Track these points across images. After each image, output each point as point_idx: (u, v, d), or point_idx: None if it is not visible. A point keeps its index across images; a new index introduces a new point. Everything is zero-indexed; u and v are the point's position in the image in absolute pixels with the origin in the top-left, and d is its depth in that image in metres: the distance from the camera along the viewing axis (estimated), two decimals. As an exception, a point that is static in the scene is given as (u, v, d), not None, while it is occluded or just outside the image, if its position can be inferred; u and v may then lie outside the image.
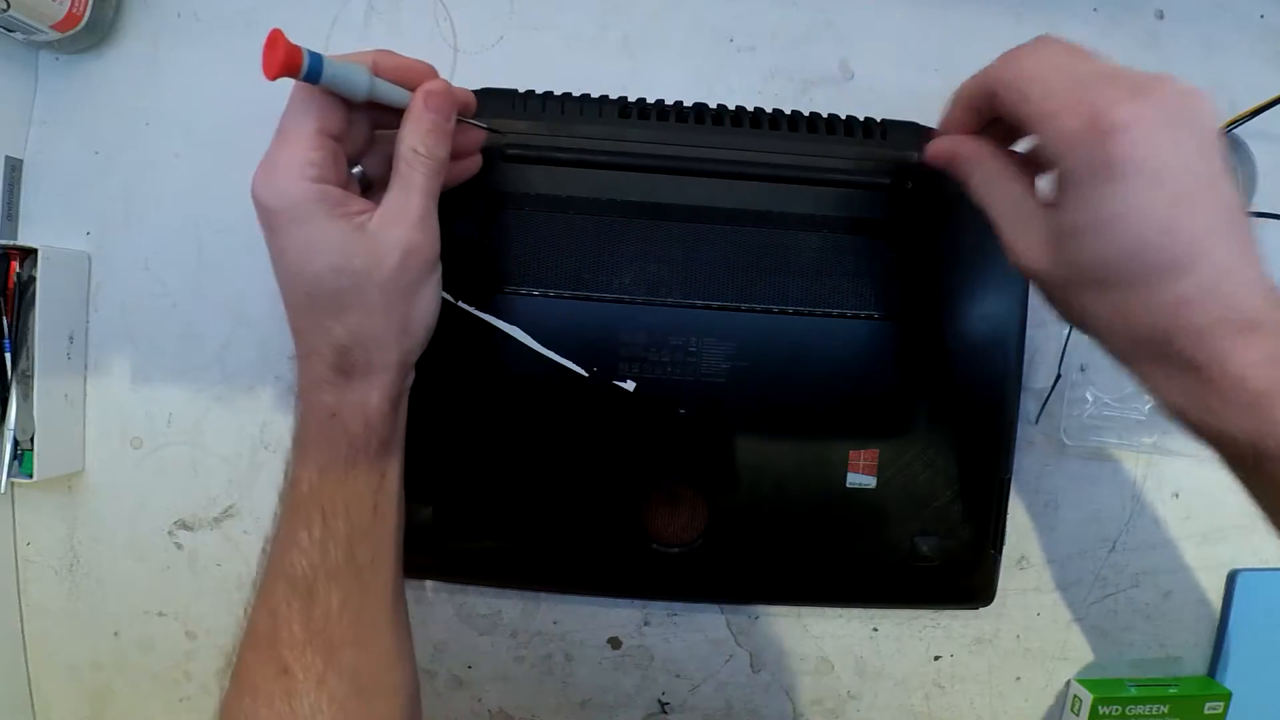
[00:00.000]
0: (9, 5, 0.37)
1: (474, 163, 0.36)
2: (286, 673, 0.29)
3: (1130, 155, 0.25)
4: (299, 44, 0.27)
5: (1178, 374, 0.25)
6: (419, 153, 0.30)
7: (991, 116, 0.31)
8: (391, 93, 0.30)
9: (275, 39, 0.26)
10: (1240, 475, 0.26)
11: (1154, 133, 0.25)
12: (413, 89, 0.30)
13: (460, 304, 0.40)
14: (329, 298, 0.29)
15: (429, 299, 0.32)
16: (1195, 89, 0.25)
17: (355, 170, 0.33)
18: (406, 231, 0.29)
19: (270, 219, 0.29)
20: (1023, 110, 0.28)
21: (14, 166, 0.44)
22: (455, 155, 0.33)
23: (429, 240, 0.30)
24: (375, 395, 0.30)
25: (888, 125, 0.42)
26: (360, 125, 0.31)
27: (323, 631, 0.29)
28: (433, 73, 0.31)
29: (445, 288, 0.40)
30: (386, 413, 0.31)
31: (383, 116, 0.32)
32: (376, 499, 0.31)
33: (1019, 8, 0.47)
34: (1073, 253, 0.27)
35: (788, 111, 0.42)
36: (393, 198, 0.30)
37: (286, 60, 0.26)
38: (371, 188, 0.34)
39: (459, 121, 0.32)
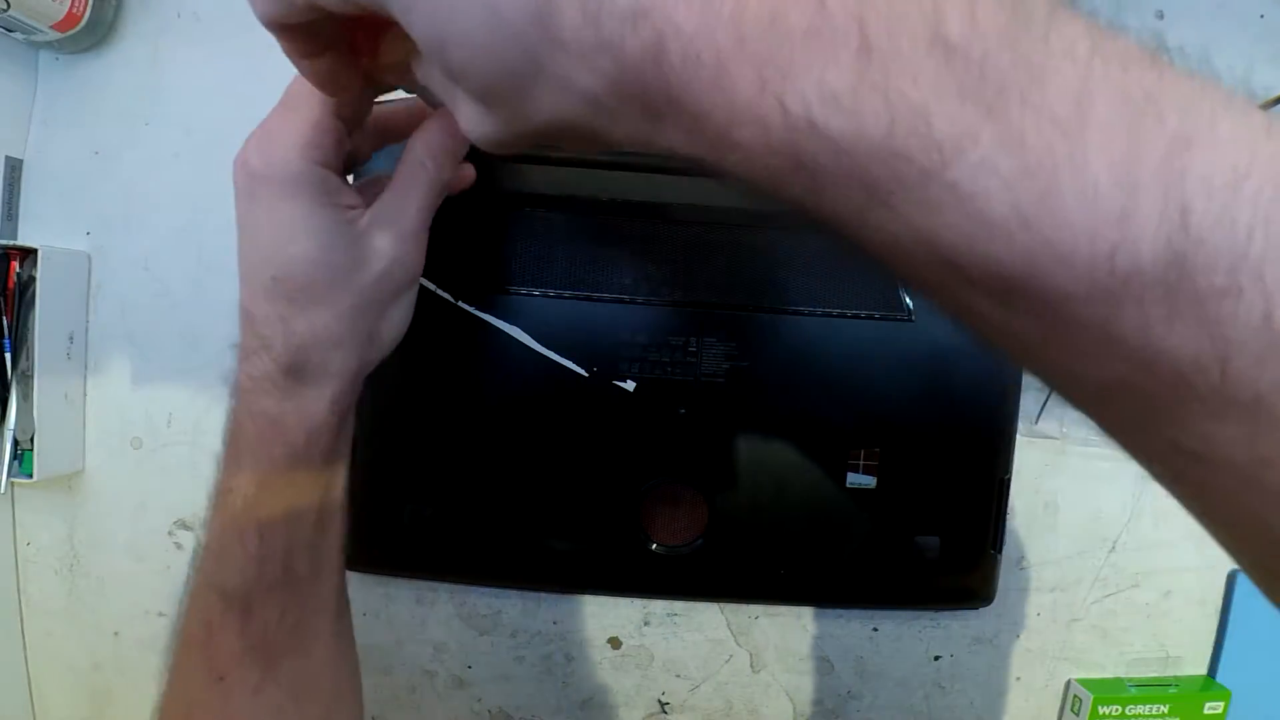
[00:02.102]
0: (9, 5, 0.37)
1: (468, 177, 0.34)
2: (222, 681, 0.28)
3: None
4: None
5: (672, 115, 0.17)
6: (426, 166, 0.28)
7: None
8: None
9: None
10: (817, 211, 0.16)
11: None
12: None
13: (460, 304, 0.40)
14: (298, 288, 0.26)
15: (402, 313, 0.30)
16: None
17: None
18: (397, 240, 0.28)
19: (255, 185, 0.26)
20: None
21: (14, 166, 0.44)
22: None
23: (416, 255, 0.29)
24: (323, 405, 0.28)
25: (888, 125, 0.42)
26: (367, 132, 0.30)
27: (260, 644, 0.28)
28: None
29: (445, 288, 0.40)
30: (333, 425, 0.28)
31: (393, 120, 0.30)
32: (319, 513, 0.29)
33: (1019, 8, 0.47)
34: (472, 83, 0.19)
35: (788, 111, 0.42)
36: (389, 202, 0.28)
37: None
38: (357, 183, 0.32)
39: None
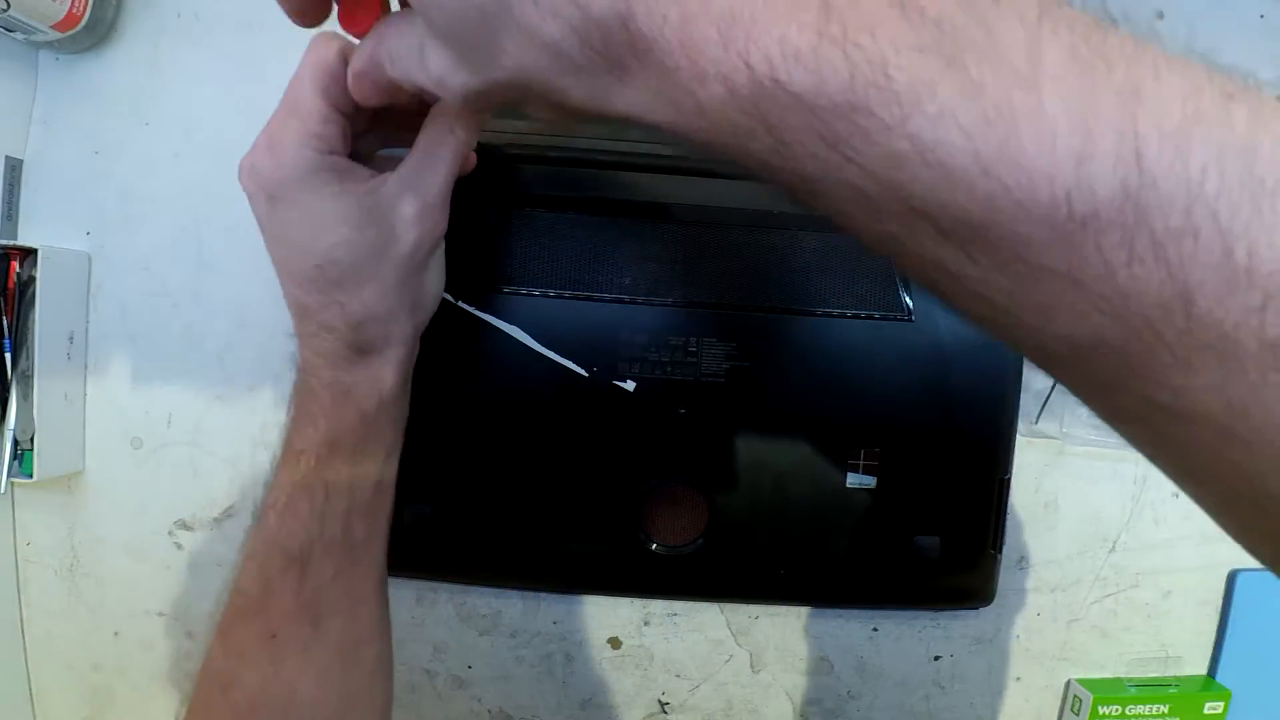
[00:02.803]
0: (9, 5, 0.37)
1: (471, 160, 0.35)
2: (275, 639, 0.29)
3: None
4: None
5: (640, 73, 0.17)
6: (455, 133, 0.28)
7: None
8: None
9: None
10: (780, 168, 0.17)
11: None
12: None
13: (460, 304, 0.40)
14: (343, 271, 0.28)
15: (438, 272, 0.32)
16: None
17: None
18: (424, 206, 0.28)
19: (273, 189, 0.27)
20: None
21: (14, 166, 0.44)
22: None
23: (442, 219, 0.30)
24: (390, 371, 0.30)
25: (888, 125, 0.42)
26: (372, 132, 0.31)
27: (313, 602, 0.30)
28: None
29: (445, 288, 0.40)
30: (399, 389, 0.31)
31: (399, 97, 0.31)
32: (379, 477, 0.31)
33: (1019, 8, 0.47)
34: (445, 30, 0.20)
35: (788, 111, 0.42)
36: (412, 169, 0.28)
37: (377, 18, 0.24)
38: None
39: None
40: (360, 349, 0.29)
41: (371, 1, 0.24)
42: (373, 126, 0.31)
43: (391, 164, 0.29)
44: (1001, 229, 0.14)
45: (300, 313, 0.29)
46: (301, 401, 0.30)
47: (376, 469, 0.31)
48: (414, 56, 0.22)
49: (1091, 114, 0.13)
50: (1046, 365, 0.17)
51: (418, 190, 0.28)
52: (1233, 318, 0.13)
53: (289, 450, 0.30)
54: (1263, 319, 0.13)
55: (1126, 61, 0.14)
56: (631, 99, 0.18)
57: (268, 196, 0.27)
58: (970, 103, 0.14)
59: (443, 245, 0.32)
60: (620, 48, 0.17)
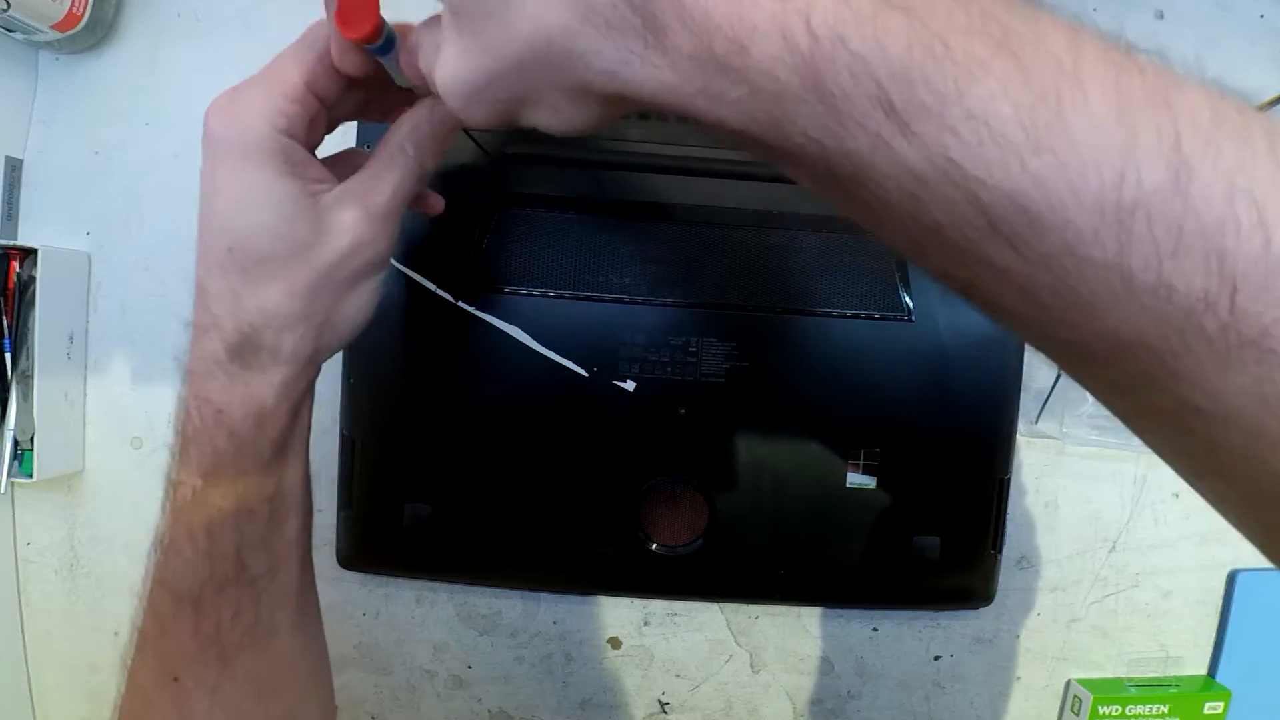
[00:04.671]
0: (9, 5, 0.37)
1: (436, 205, 0.33)
2: (176, 681, 0.27)
3: None
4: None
5: (673, 35, 0.16)
6: (408, 152, 0.27)
7: None
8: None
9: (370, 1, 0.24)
10: (817, 150, 0.16)
11: None
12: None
13: (460, 304, 0.40)
14: (254, 260, 0.25)
15: (363, 300, 0.28)
16: None
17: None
18: (363, 219, 0.26)
19: (218, 148, 0.25)
20: None
21: (14, 166, 0.44)
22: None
23: (383, 239, 0.27)
24: (270, 393, 0.26)
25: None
26: (351, 99, 0.28)
27: (214, 642, 0.27)
28: None
29: (445, 288, 0.40)
30: (284, 415, 0.27)
31: (376, 97, 0.29)
32: (272, 508, 0.27)
33: (1019, 8, 0.47)
34: (456, 7, 0.20)
35: (788, 111, 0.42)
36: (361, 181, 0.26)
37: (374, 30, 0.24)
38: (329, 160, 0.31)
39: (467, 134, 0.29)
40: (242, 359, 0.26)
41: (368, 6, 0.24)
42: (363, 107, 0.29)
43: (348, 172, 0.27)
44: (1053, 215, 0.14)
45: (199, 295, 0.26)
46: (180, 426, 0.27)
47: (265, 501, 0.27)
48: (431, 47, 0.22)
49: (1132, 108, 0.14)
50: (1082, 366, 0.17)
51: (359, 199, 0.26)
52: (1272, 311, 0.13)
53: (169, 480, 0.27)
54: None
55: (1154, 71, 0.15)
56: (663, 68, 0.17)
57: (211, 154, 0.25)
58: (1021, 83, 0.14)
59: (379, 278, 0.28)
60: (660, 2, 0.16)
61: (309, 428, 0.29)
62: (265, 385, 0.26)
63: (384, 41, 0.25)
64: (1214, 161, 0.13)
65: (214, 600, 0.27)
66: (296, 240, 0.25)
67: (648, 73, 0.17)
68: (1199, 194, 0.13)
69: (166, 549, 0.27)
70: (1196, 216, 0.13)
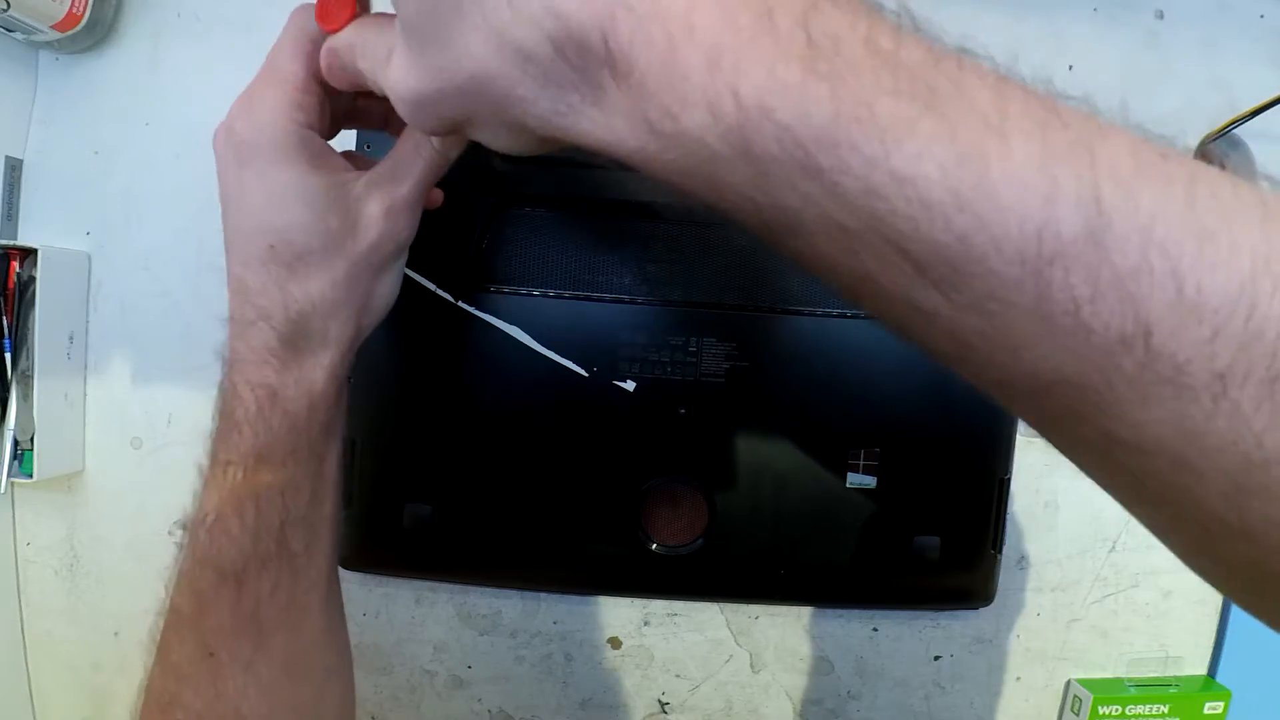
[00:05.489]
0: (9, 5, 0.37)
1: (436, 199, 0.34)
2: (212, 656, 0.28)
3: None
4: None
5: (611, 91, 0.17)
6: (433, 143, 0.27)
7: None
8: None
9: None
10: (749, 204, 0.17)
11: None
12: None
13: (460, 304, 0.40)
14: (295, 254, 0.26)
15: (393, 280, 0.30)
16: None
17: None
18: (392, 206, 0.27)
19: (244, 152, 0.26)
20: None
21: (14, 166, 0.44)
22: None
23: (409, 225, 0.28)
24: (322, 374, 0.28)
25: (888, 125, 0.42)
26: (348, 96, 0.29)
27: (252, 618, 0.28)
28: None
29: (445, 288, 0.40)
30: (332, 395, 0.29)
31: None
32: (314, 485, 0.29)
33: (1019, 8, 0.47)
34: (409, 21, 0.20)
35: (788, 111, 0.42)
36: (386, 169, 0.28)
37: (352, 16, 0.24)
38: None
39: None
40: (294, 345, 0.27)
41: (348, 5, 0.24)
42: (355, 113, 0.31)
43: (368, 164, 0.29)
44: (976, 265, 0.15)
45: (239, 292, 0.28)
46: (226, 406, 0.28)
47: (310, 479, 0.29)
48: (381, 54, 0.22)
49: (1054, 161, 0.14)
50: (1011, 402, 0.17)
51: (387, 191, 0.27)
52: (1185, 351, 0.14)
53: (215, 461, 0.28)
54: (1212, 350, 0.14)
55: (1078, 121, 0.15)
56: (599, 123, 0.18)
57: (238, 159, 0.26)
58: (946, 143, 0.14)
59: (404, 258, 0.30)
60: (597, 65, 0.17)
61: (345, 413, 0.31)
62: (316, 368, 0.28)
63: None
64: (1131, 212, 0.14)
65: (256, 575, 0.28)
66: (331, 232, 0.26)
67: (584, 125, 0.18)
68: (1115, 245, 0.14)
69: (212, 527, 0.28)
70: (1112, 266, 0.14)
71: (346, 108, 0.30)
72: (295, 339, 0.27)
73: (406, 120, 0.22)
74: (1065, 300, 0.14)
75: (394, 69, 0.21)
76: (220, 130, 0.27)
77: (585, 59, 0.17)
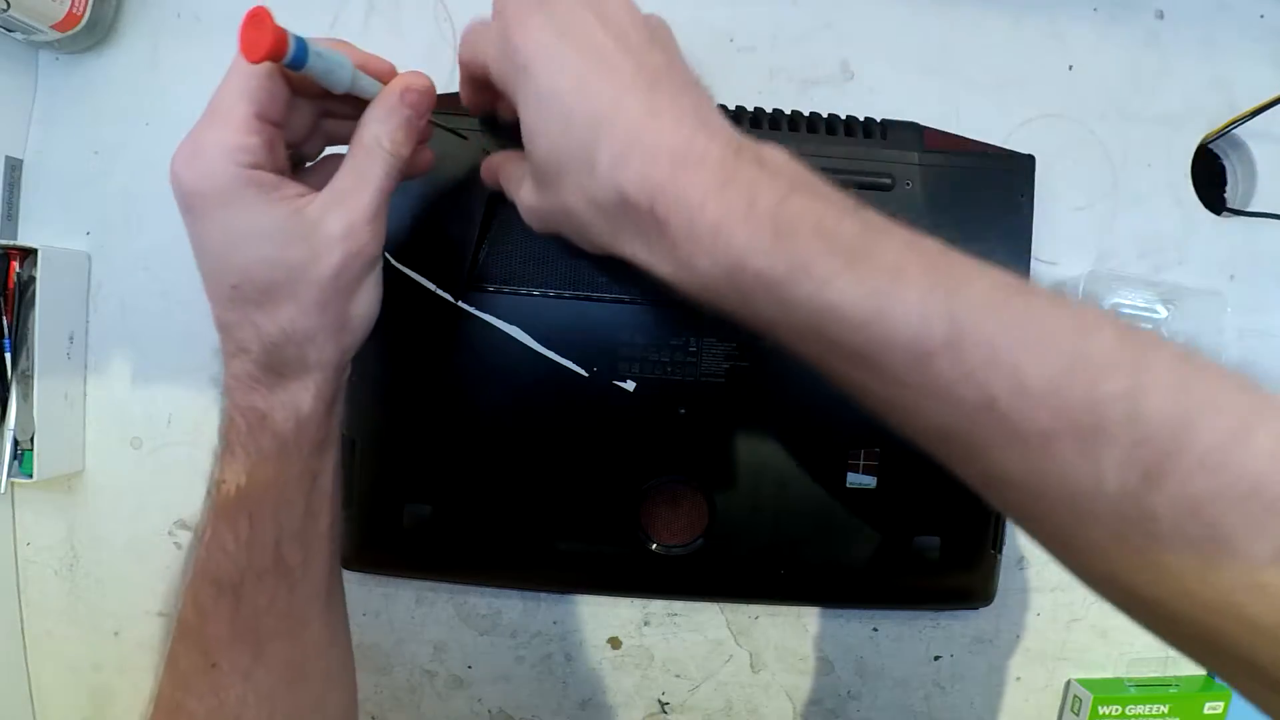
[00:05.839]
0: (9, 5, 0.37)
1: (426, 159, 0.34)
2: (214, 667, 0.29)
3: (530, 49, 0.26)
4: (284, 26, 0.25)
5: (655, 237, 0.26)
6: (383, 146, 0.28)
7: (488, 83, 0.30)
8: (369, 87, 0.28)
9: (260, 17, 0.24)
10: (743, 313, 0.26)
11: (547, 23, 0.26)
12: (384, 82, 0.29)
13: (460, 304, 0.40)
14: (260, 290, 0.27)
15: (369, 295, 0.30)
16: None
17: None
18: (351, 225, 0.27)
19: (192, 201, 0.27)
20: (482, 65, 0.29)
21: (14, 166, 0.44)
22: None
23: (374, 237, 0.28)
24: (308, 397, 0.29)
25: (888, 125, 0.42)
26: (304, 111, 0.30)
27: (250, 628, 0.29)
28: (393, 70, 0.30)
29: (445, 288, 0.40)
30: (321, 414, 0.29)
31: (335, 105, 0.30)
32: (308, 500, 0.30)
33: (1019, 8, 0.47)
34: (535, 165, 0.28)
35: (788, 111, 0.42)
36: (342, 185, 0.28)
37: (274, 43, 0.24)
38: (304, 170, 0.33)
39: (433, 123, 0.31)
40: (276, 371, 0.28)
41: (263, 26, 0.24)
42: (314, 131, 0.31)
43: (327, 177, 0.28)
44: (881, 358, 0.23)
45: (220, 329, 0.29)
46: (223, 429, 0.29)
47: (304, 495, 0.30)
48: (516, 179, 0.31)
49: (929, 297, 0.22)
50: (926, 446, 0.25)
51: (345, 208, 0.27)
52: (1020, 414, 0.21)
53: (215, 480, 0.29)
54: (1037, 415, 0.21)
55: (957, 268, 0.23)
56: (640, 251, 0.27)
57: (188, 208, 0.27)
58: (858, 286, 0.23)
59: (378, 270, 0.30)
60: (644, 220, 0.26)
61: (340, 425, 0.32)
62: (301, 391, 0.29)
63: (293, 55, 0.25)
64: (977, 328, 0.22)
65: (253, 588, 0.29)
66: (292, 263, 0.27)
67: (638, 253, 0.27)
68: (968, 349, 0.22)
69: (209, 542, 0.29)
70: (966, 362, 0.22)
71: (308, 133, 0.31)
72: (275, 366, 0.28)
73: (527, 222, 0.31)
74: (940, 380, 0.22)
75: (524, 191, 0.30)
76: (170, 178, 0.27)
77: (637, 216, 0.26)
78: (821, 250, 0.23)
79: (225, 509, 0.29)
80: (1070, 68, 0.47)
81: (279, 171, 0.28)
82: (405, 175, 0.30)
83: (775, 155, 0.26)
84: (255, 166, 0.27)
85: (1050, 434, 0.21)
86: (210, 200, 0.26)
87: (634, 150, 0.25)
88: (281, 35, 0.25)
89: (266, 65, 0.26)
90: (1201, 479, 0.19)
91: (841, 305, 0.23)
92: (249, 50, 0.25)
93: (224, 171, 0.26)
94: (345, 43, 0.29)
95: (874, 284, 0.22)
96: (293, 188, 0.28)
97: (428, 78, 0.30)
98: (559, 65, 0.26)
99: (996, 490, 0.24)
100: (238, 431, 0.29)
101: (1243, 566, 0.19)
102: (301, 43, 0.25)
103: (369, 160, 0.28)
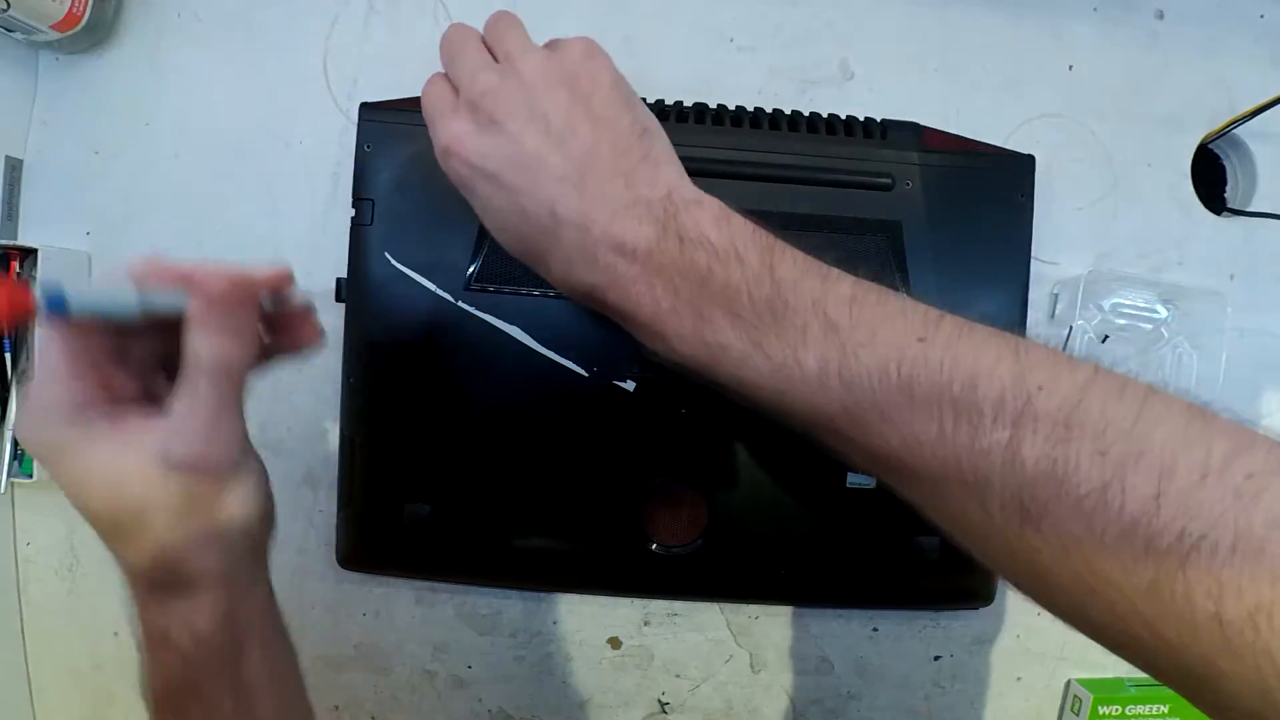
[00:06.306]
0: (9, 5, 0.38)
1: (305, 336, 0.31)
2: None
3: (462, 174, 0.29)
4: (49, 278, 0.25)
5: (624, 320, 0.29)
6: (203, 358, 0.26)
7: None
8: (172, 301, 0.26)
9: (3, 282, 0.24)
10: (708, 381, 0.29)
11: (471, 139, 0.29)
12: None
13: (460, 304, 0.40)
14: (113, 526, 0.26)
15: (241, 498, 0.27)
16: (520, 68, 0.29)
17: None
18: (189, 448, 0.26)
19: (36, 455, 0.28)
20: None
21: (14, 166, 0.44)
22: (283, 332, 0.30)
23: (222, 449, 0.27)
24: (201, 615, 0.27)
25: (888, 125, 0.42)
26: (149, 337, 0.28)
27: None
28: (222, 273, 0.27)
29: (445, 288, 0.40)
30: (220, 632, 0.27)
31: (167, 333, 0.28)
32: (234, 696, 0.28)
33: (1018, 8, 0.47)
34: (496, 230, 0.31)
35: (788, 111, 0.42)
36: (177, 409, 0.26)
37: (10, 307, 0.24)
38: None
39: (277, 306, 0.30)
40: (161, 591, 0.27)
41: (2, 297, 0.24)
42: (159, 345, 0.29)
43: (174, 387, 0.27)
44: (800, 423, 0.28)
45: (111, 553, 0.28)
46: (137, 636, 0.28)
47: (227, 692, 0.28)
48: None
49: (826, 370, 0.25)
50: (874, 474, 0.28)
51: (179, 432, 0.26)
52: (917, 462, 0.25)
53: (141, 682, 0.28)
54: (928, 464, 0.25)
55: (864, 322, 0.26)
56: (622, 324, 0.30)
57: (36, 459, 0.29)
58: (766, 362, 0.26)
59: (247, 470, 0.28)
60: (609, 309, 0.29)
61: (272, 613, 0.30)
62: (192, 611, 0.27)
63: (49, 308, 0.25)
64: (930, 380, 0.24)
65: None
66: (137, 497, 0.26)
67: (608, 311, 0.30)
68: (862, 414, 0.25)
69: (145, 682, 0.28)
70: (862, 427, 0.26)
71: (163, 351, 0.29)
72: (156, 588, 0.27)
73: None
74: (848, 437, 0.27)
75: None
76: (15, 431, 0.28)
77: (603, 307, 0.29)
78: (734, 330, 0.26)
79: (157, 711, 0.28)
80: (1070, 68, 0.47)
81: (127, 400, 0.27)
82: (281, 355, 0.30)
83: (699, 221, 0.27)
84: (86, 410, 0.26)
85: (940, 479, 0.24)
86: (50, 454, 0.26)
87: (578, 256, 0.28)
88: (20, 294, 0.24)
89: (62, 317, 0.26)
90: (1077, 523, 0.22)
91: (757, 382, 0.26)
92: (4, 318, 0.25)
93: (54, 428, 0.26)
94: (156, 260, 0.27)
95: (779, 358, 0.25)
96: (134, 421, 0.26)
97: (228, 273, 0.27)
98: (491, 188, 0.29)
99: (887, 472, 0.27)
100: (148, 641, 0.28)
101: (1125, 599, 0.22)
102: (55, 297, 0.25)
103: (195, 376, 0.26)
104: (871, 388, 0.24)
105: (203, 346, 0.26)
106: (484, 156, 0.28)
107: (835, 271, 0.27)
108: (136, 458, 0.26)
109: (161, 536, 0.26)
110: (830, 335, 0.25)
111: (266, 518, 0.29)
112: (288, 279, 0.29)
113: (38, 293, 0.24)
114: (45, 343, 0.27)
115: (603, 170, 0.28)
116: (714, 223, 0.27)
